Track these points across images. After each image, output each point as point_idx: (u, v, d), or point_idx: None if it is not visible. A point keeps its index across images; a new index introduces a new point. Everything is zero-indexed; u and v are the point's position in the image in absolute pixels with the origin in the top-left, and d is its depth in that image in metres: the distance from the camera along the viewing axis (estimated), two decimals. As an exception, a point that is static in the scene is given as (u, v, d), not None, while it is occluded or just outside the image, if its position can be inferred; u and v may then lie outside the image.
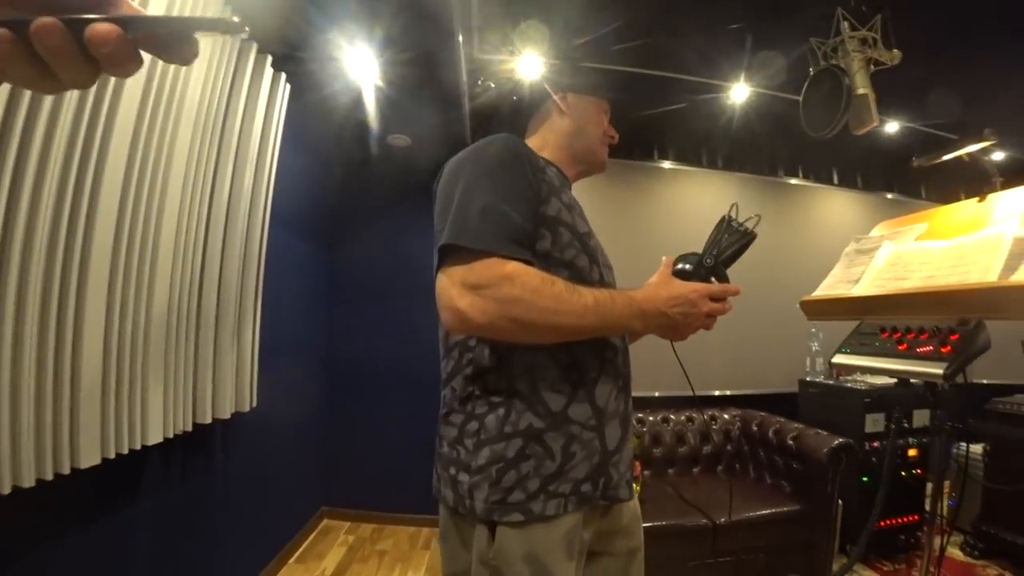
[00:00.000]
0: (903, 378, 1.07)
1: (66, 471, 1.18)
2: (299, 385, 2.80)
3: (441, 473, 0.90)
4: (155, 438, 1.46)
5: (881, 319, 1.14)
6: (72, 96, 1.14)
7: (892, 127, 3.05)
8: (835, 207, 3.70)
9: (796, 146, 2.14)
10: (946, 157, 1.23)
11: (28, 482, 1.08)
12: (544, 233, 0.85)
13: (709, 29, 1.91)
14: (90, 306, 1.22)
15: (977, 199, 1.19)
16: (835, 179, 3.72)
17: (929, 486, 3.31)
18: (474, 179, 0.83)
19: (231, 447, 2.08)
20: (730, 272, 0.93)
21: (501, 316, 0.74)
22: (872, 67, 1.59)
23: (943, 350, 0.96)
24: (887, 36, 1.59)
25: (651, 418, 2.86)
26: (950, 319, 0.97)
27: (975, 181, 1.74)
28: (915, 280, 1.06)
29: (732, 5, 1.79)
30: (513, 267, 0.76)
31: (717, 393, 3.22)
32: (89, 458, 1.22)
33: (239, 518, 2.15)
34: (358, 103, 2.65)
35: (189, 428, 1.64)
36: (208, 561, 1.94)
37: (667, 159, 3.41)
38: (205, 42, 1.61)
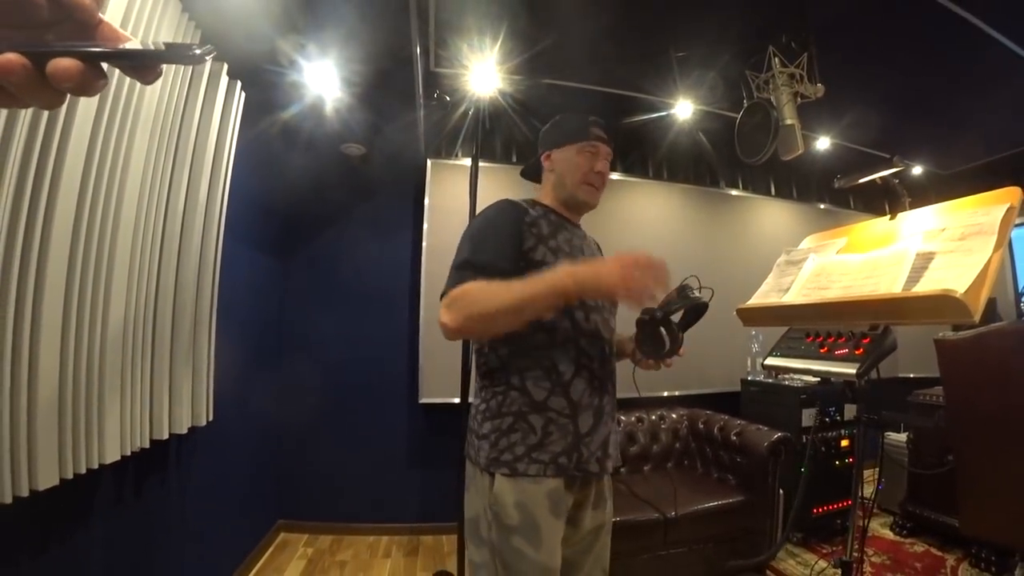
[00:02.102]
0: (824, 377, 1.20)
1: (25, 493, 1.16)
2: (253, 398, 2.75)
3: (468, 438, 1.22)
4: (112, 456, 1.44)
5: (807, 325, 1.28)
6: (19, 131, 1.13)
7: (823, 144, 3.31)
8: (772, 216, 3.95)
9: (736, 159, 2.30)
10: (862, 180, 1.38)
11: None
12: (536, 269, 1.10)
13: (658, 55, 2.04)
14: (46, 321, 1.20)
15: (889, 217, 1.34)
16: (772, 190, 3.98)
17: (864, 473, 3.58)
18: (466, 241, 1.16)
19: (187, 463, 2.03)
20: None
21: (464, 318, 1.02)
22: (799, 100, 1.76)
23: (857, 352, 1.09)
24: (812, 72, 1.76)
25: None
26: (863, 324, 1.11)
27: (903, 195, 1.96)
28: (835, 290, 1.19)
29: (680, 34, 1.92)
30: (466, 285, 1.05)
31: (666, 394, 3.38)
32: (47, 479, 1.20)
33: (196, 536, 2.10)
34: (315, 112, 2.66)
35: (147, 445, 1.62)
36: None
37: (615, 170, 3.55)
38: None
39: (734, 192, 3.85)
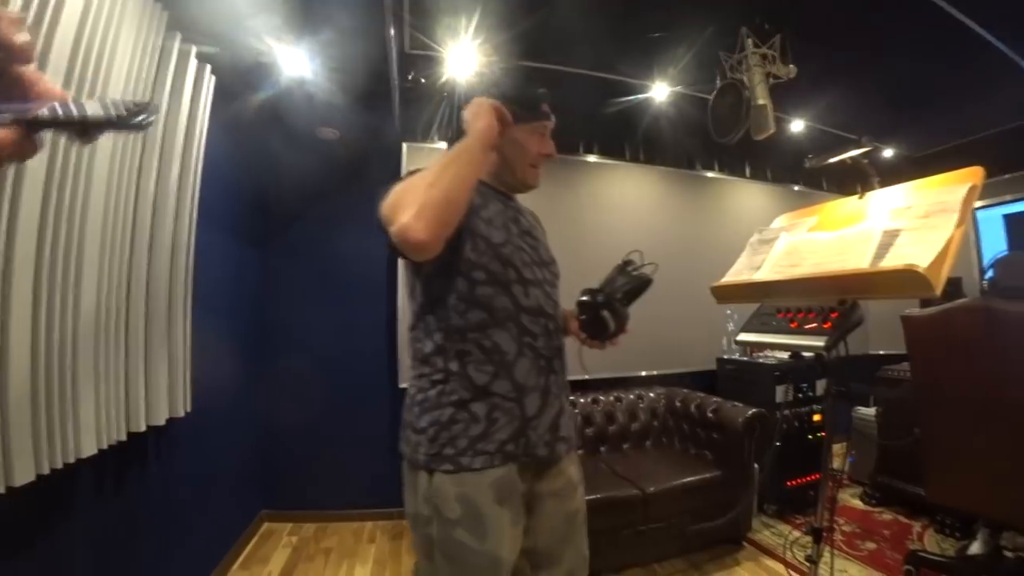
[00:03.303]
0: (795, 351, 1.24)
1: (1, 490, 1.14)
2: (232, 387, 2.72)
3: (402, 433, 1.11)
4: (89, 450, 1.42)
5: (778, 301, 1.31)
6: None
7: (797, 126, 3.36)
8: (747, 198, 4.02)
9: (711, 141, 2.33)
10: (832, 160, 1.42)
11: None
12: (467, 240, 1.05)
13: (635, 36, 2.04)
14: (14, 312, 1.17)
15: (858, 196, 1.37)
16: (747, 172, 4.04)
17: (835, 447, 3.71)
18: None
19: (167, 455, 2.01)
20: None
21: (420, 208, 0.89)
22: (771, 80, 1.78)
23: (825, 326, 1.13)
24: (785, 53, 1.78)
25: (582, 400, 3.02)
26: (832, 300, 1.14)
27: (872, 175, 2.01)
28: (806, 267, 1.22)
29: (655, 15, 1.93)
30: (393, 192, 0.95)
31: (644, 373, 3.44)
32: (24, 475, 1.18)
33: (179, 528, 2.08)
34: (287, 95, 2.60)
35: (124, 437, 1.60)
36: (148, 573, 1.89)
37: (592, 153, 3.56)
38: (128, 32, 1.55)
39: (710, 174, 3.90)
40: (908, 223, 1.10)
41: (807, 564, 1.42)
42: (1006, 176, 3.83)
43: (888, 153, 3.87)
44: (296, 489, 3.14)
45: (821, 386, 3.00)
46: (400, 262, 1.07)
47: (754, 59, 1.72)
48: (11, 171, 1.15)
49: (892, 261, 1.01)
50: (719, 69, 1.89)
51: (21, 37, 0.31)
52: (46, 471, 1.26)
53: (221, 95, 2.19)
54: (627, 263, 1.11)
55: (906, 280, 0.95)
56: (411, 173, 1.04)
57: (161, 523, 1.96)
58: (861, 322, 1.12)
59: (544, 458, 1.08)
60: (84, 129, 0.33)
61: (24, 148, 0.31)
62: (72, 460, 1.36)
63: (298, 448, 3.14)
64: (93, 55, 1.38)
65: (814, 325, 1.15)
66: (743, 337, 1.35)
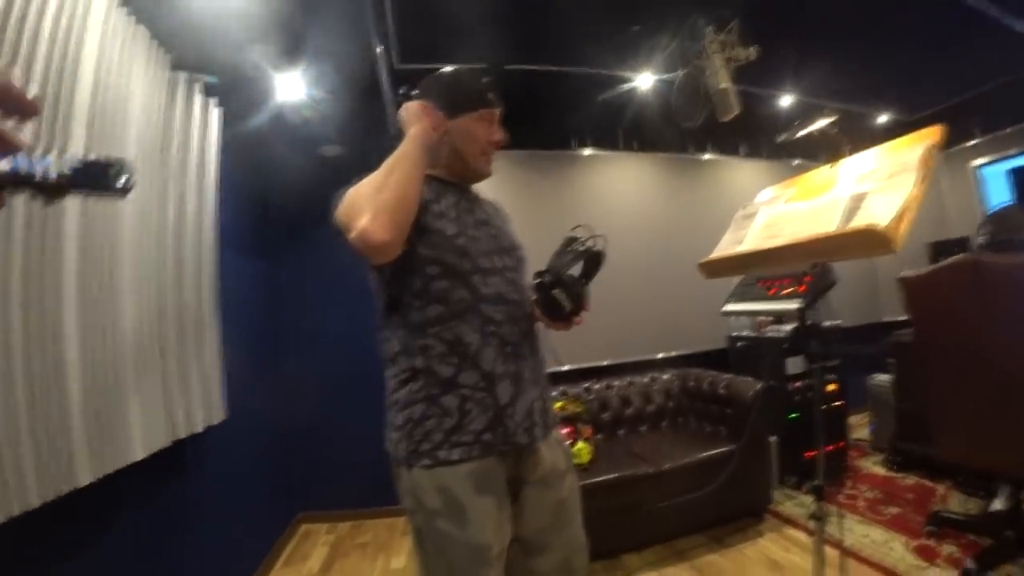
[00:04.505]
0: (776, 316, 1.31)
1: (65, 490, 1.26)
2: (262, 396, 2.86)
3: (385, 432, 1.15)
4: (138, 455, 1.55)
5: (762, 271, 1.38)
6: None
7: (787, 100, 3.39)
8: (744, 177, 4.04)
9: (704, 124, 2.39)
10: (800, 133, 1.49)
11: (35, 502, 1.16)
12: (421, 236, 1.06)
13: (609, 32, 2.12)
14: (68, 338, 1.30)
15: (830, 165, 1.44)
16: (741, 152, 4.07)
17: (855, 417, 3.74)
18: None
19: (206, 461, 2.15)
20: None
21: (375, 212, 0.94)
22: (732, 64, 1.85)
23: (799, 289, 1.20)
24: (744, 37, 1.84)
25: (596, 386, 3.09)
26: (806, 265, 1.21)
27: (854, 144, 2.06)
28: (783, 237, 1.30)
29: (632, 8, 2.00)
30: (344, 199, 1.03)
31: (659, 356, 3.50)
32: (85, 477, 1.31)
33: (221, 531, 2.22)
34: (289, 119, 2.73)
35: (168, 443, 1.73)
36: (195, 574, 2.00)
37: (586, 147, 3.64)
38: (138, 75, 1.68)
39: (705, 156, 3.95)
40: (873, 185, 1.16)
41: (814, 523, 1.48)
42: (1008, 130, 3.80)
43: (883, 119, 3.87)
44: (330, 490, 3.28)
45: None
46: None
47: (713, 46, 1.79)
48: (52, 213, 1.28)
49: (856, 222, 1.08)
50: (681, 58, 1.96)
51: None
52: (102, 474, 1.39)
53: (227, 124, 2.31)
54: (571, 239, 1.11)
55: (868, 239, 1.02)
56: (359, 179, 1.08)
57: (205, 524, 2.10)
58: (833, 284, 1.19)
59: (525, 445, 1.09)
60: (47, 189, 0.30)
61: None
62: (124, 464, 1.49)
63: (330, 450, 3.27)
64: (110, 99, 1.51)
65: (790, 290, 1.22)
66: (729, 307, 1.43)
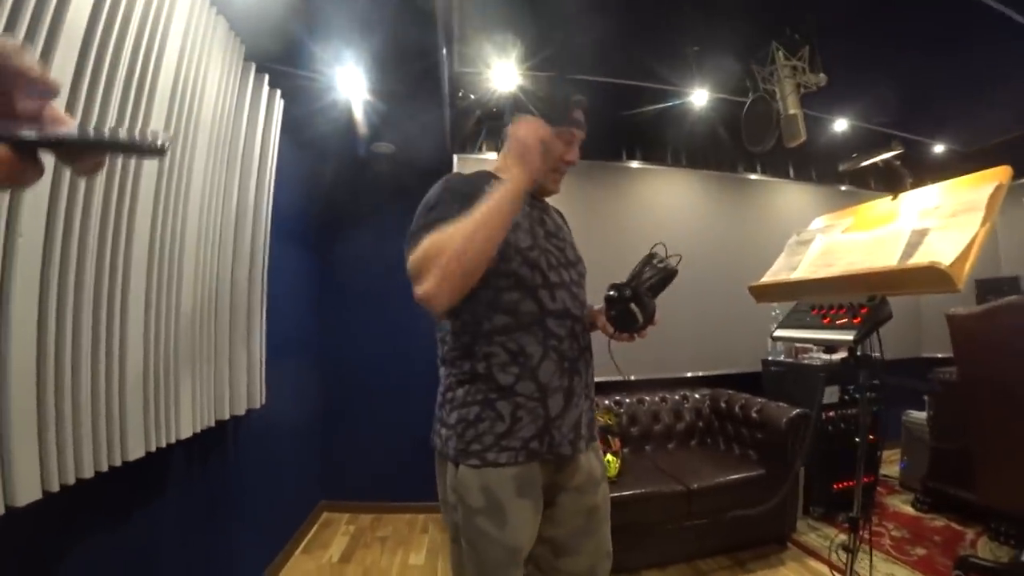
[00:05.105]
0: (828, 345, 1.31)
1: (118, 463, 1.33)
2: (297, 384, 2.94)
3: (433, 426, 1.19)
4: (186, 433, 1.62)
5: (813, 299, 1.38)
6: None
7: (841, 125, 3.34)
8: (792, 199, 3.99)
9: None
10: (864, 163, 1.47)
11: (88, 473, 1.22)
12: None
13: (670, 50, 2.13)
14: (131, 315, 1.37)
15: (891, 197, 1.43)
16: (791, 173, 4.01)
17: (886, 453, 3.65)
18: (424, 210, 1.08)
19: (243, 443, 2.22)
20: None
21: (439, 277, 0.92)
22: (802, 90, 1.84)
23: (855, 321, 1.19)
24: (814, 63, 1.83)
25: (628, 400, 3.09)
26: (862, 296, 1.21)
27: (905, 176, 2.03)
28: (839, 266, 1.29)
29: (688, 30, 2.01)
30: (422, 244, 0.97)
31: (689, 375, 3.47)
32: (136, 451, 1.38)
33: (250, 512, 2.29)
34: (346, 114, 2.81)
35: (212, 424, 1.80)
36: (223, 552, 2.07)
37: (635, 159, 3.64)
38: (215, 64, 1.76)
39: (752, 176, 3.90)
40: (936, 222, 1.15)
41: (845, 554, 1.47)
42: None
43: (939, 149, 3.78)
44: (353, 482, 3.35)
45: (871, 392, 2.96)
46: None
47: (784, 71, 1.79)
48: (127, 195, 1.35)
49: (918, 259, 1.08)
50: (751, 80, 1.96)
51: (27, 63, 0.30)
52: (153, 449, 1.46)
53: (286, 116, 2.39)
54: (652, 255, 1.13)
55: (930, 276, 1.02)
56: (445, 203, 1.03)
57: (236, 504, 2.17)
58: (889, 317, 1.18)
59: (568, 456, 1.13)
60: (75, 150, 0.31)
61: (16, 171, 0.29)
62: (173, 440, 1.55)
63: (355, 442, 3.34)
64: (190, 86, 1.59)
65: (844, 320, 1.21)
66: (779, 333, 1.42)
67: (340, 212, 3.37)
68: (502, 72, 2.63)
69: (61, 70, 1.10)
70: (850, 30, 2.01)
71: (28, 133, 0.29)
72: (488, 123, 2.87)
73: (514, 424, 1.07)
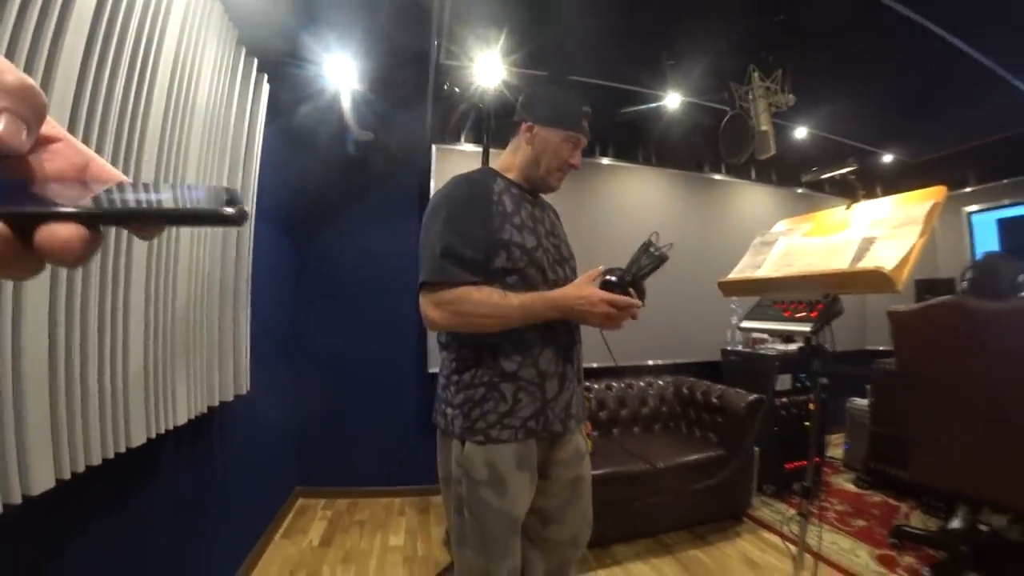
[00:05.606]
0: (787, 336, 1.47)
1: (123, 449, 1.36)
2: (275, 371, 2.95)
3: (437, 407, 1.30)
4: (182, 419, 1.66)
5: (775, 295, 1.54)
6: (110, 130, 1.31)
7: (801, 133, 3.56)
8: (753, 199, 4.23)
9: (718, 146, 2.55)
10: (824, 176, 1.64)
11: (96, 460, 1.25)
12: (500, 252, 1.19)
13: (651, 58, 2.25)
14: (133, 305, 1.40)
15: (846, 207, 1.60)
16: (752, 175, 4.24)
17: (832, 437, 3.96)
18: (440, 223, 1.19)
19: (227, 430, 2.24)
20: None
21: (456, 321, 1.15)
22: (774, 108, 2.01)
23: (812, 315, 1.35)
24: (785, 85, 2.00)
25: (596, 386, 3.26)
26: (818, 294, 1.37)
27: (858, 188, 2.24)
28: (799, 267, 1.45)
29: (671, 40, 2.14)
30: (460, 290, 1.14)
31: (651, 362, 3.68)
32: (138, 438, 1.42)
33: (232, 497, 2.31)
34: (329, 101, 2.82)
35: (205, 410, 1.84)
36: (209, 537, 2.09)
37: (607, 156, 3.78)
38: (211, 48, 1.77)
39: (718, 177, 4.11)
40: (882, 232, 1.32)
41: (799, 518, 1.64)
42: (1003, 182, 4.02)
43: (888, 159, 4.06)
44: (329, 468, 3.38)
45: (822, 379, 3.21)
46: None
47: (759, 91, 1.95)
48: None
49: (865, 263, 1.24)
50: (729, 96, 2.12)
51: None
52: (153, 435, 1.49)
53: (272, 102, 2.39)
54: (649, 244, 1.23)
55: (875, 279, 1.18)
56: (459, 218, 1.18)
57: (220, 490, 2.19)
58: (841, 312, 1.35)
59: (558, 433, 1.25)
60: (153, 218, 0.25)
61: (91, 249, 0.23)
62: (171, 426, 1.59)
63: (330, 429, 3.37)
64: (187, 71, 1.61)
65: (803, 314, 1.38)
66: (745, 324, 1.59)
67: (319, 199, 3.35)
68: (484, 66, 2.70)
69: (71, 57, 1.12)
70: (811, 52, 2.18)
71: (62, 205, 0.23)
72: (487, 120, 2.93)
73: (515, 405, 1.18)
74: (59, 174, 0.26)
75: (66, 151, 0.27)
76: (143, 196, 0.26)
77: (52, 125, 0.27)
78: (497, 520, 1.18)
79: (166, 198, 0.26)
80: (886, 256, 1.22)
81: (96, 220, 0.23)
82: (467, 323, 1.15)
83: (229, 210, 0.25)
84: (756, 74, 2.00)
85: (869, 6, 1.94)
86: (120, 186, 0.26)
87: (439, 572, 2.44)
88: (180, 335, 1.65)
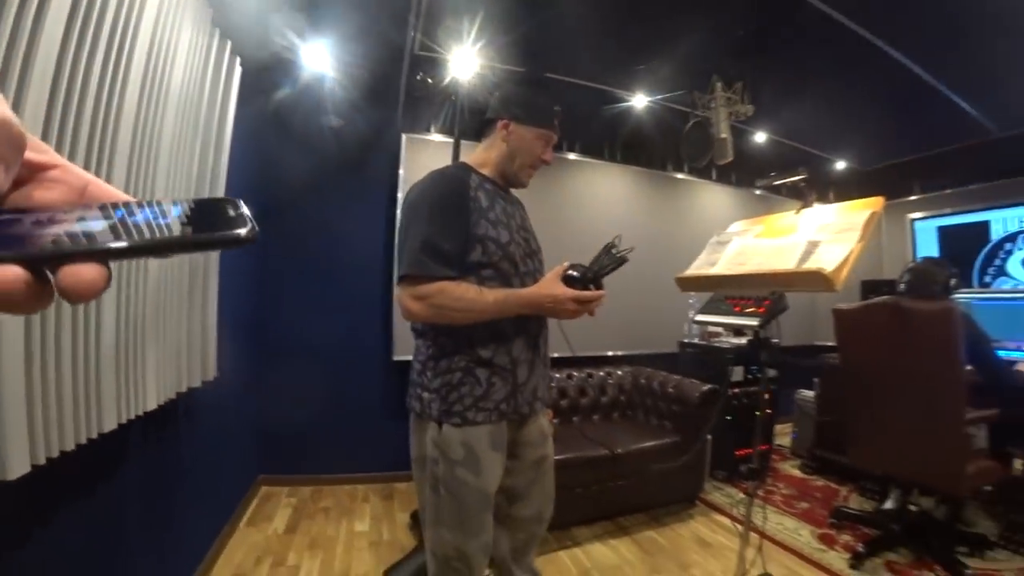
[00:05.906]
0: (737, 328, 1.59)
1: (95, 435, 1.36)
2: (240, 358, 2.92)
3: (412, 391, 1.35)
4: (152, 404, 1.66)
5: (728, 291, 1.65)
6: (88, 108, 1.30)
7: (761, 138, 3.73)
8: (713, 199, 4.41)
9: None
10: (777, 183, 1.76)
11: (70, 446, 1.25)
12: (476, 247, 1.25)
13: (620, 60, 2.34)
14: (105, 294, 1.39)
15: (795, 212, 1.72)
16: (713, 176, 4.42)
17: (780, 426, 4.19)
18: (419, 218, 1.24)
19: (193, 417, 2.22)
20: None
21: (434, 314, 1.20)
22: (733, 117, 2.13)
23: (759, 310, 1.47)
24: (745, 95, 2.12)
25: (557, 375, 3.36)
26: (766, 291, 1.49)
27: (808, 195, 2.39)
28: (750, 266, 1.56)
29: (641, 46, 2.23)
30: (440, 284, 1.19)
31: (611, 353, 3.82)
32: (109, 423, 1.42)
33: (199, 484, 2.30)
34: (302, 88, 2.81)
35: (174, 395, 1.84)
36: (175, 524, 2.06)
37: (574, 152, 3.87)
38: (186, 30, 1.76)
39: (680, 176, 4.26)
40: (826, 236, 1.44)
41: (746, 498, 1.77)
42: (947, 191, 4.30)
43: (841, 165, 4.30)
44: (292, 456, 3.36)
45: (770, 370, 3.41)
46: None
47: (721, 100, 2.07)
48: (105, 165, 1.37)
49: (809, 264, 1.36)
50: (692, 104, 2.23)
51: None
52: (124, 420, 1.50)
53: (244, 84, 2.36)
54: (612, 245, 1.29)
55: (816, 279, 1.30)
56: (441, 215, 1.23)
57: (185, 478, 2.17)
58: (786, 309, 1.47)
59: (526, 415, 1.33)
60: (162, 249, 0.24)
61: (104, 285, 0.22)
62: (141, 412, 1.59)
63: (294, 417, 3.31)
64: (163, 52, 1.60)
65: (752, 309, 1.49)
66: (700, 317, 1.70)
67: (288, 185, 3.29)
68: (459, 58, 2.73)
69: (50, 40, 1.11)
70: (770, 64, 2.31)
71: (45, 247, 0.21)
72: (460, 112, 2.95)
73: (489, 389, 1.25)
74: (59, 203, 0.25)
75: (64, 177, 0.26)
76: (155, 221, 0.24)
77: (45, 151, 0.26)
78: (474, 498, 1.25)
79: (175, 222, 0.24)
80: (828, 258, 1.34)
81: (119, 256, 0.22)
82: (444, 316, 1.21)
83: (241, 232, 0.25)
84: (719, 84, 2.12)
85: (825, 23, 2.08)
86: (129, 208, 0.24)
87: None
88: (151, 319, 1.65)
